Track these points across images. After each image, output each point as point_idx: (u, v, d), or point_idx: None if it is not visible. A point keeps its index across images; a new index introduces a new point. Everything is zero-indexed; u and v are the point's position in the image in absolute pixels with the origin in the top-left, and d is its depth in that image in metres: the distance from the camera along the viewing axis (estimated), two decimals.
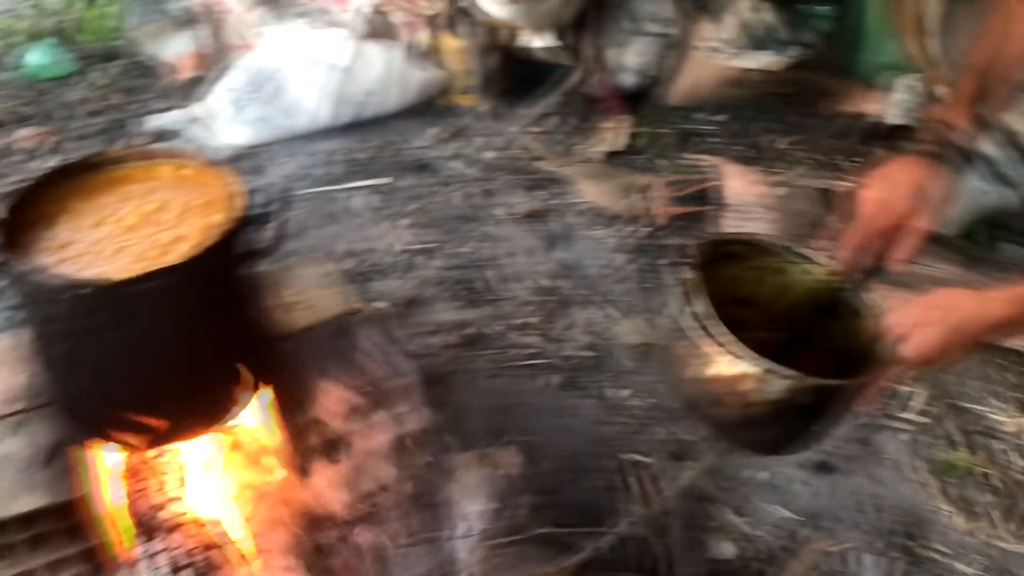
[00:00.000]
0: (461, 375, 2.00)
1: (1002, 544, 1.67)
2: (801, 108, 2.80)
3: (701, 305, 1.17)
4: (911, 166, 1.25)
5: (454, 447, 1.72)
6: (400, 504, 1.58)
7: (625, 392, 1.96)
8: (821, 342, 1.30)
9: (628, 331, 2.08)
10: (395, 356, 1.64)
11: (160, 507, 1.52)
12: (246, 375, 1.60)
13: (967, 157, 1.26)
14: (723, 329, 1.15)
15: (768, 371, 1.13)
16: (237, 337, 1.56)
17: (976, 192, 2.21)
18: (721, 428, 1.28)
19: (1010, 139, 2.20)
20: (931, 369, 1.60)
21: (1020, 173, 2.20)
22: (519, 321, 2.12)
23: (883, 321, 1.16)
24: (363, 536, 1.56)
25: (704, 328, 1.16)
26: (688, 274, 1.19)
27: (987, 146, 2.22)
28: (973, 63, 1.26)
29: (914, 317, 1.12)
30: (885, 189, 1.24)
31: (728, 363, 1.15)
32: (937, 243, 2.13)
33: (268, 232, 1.44)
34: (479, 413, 1.88)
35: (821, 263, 1.32)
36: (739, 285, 1.32)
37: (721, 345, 1.15)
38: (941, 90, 2.35)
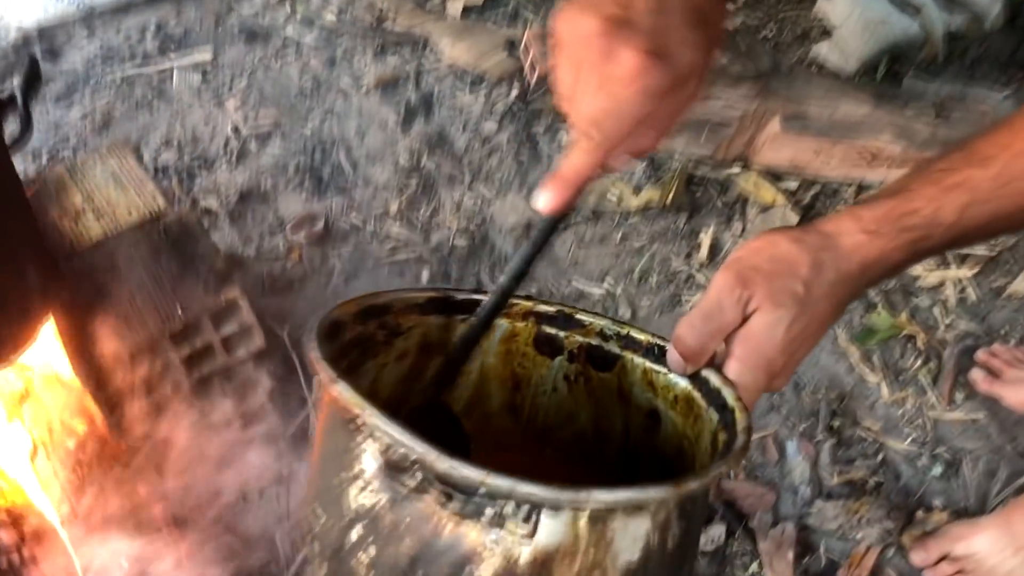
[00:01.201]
0: (312, 280, 1.69)
1: (933, 413, 1.50)
2: None
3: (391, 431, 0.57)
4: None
5: (301, 369, 1.43)
6: (237, 448, 1.30)
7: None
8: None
9: (505, 211, 1.80)
10: (218, 266, 1.32)
11: None
12: (30, 304, 1.26)
13: None
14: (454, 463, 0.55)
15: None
16: (13, 257, 1.22)
17: (877, 23, 1.98)
18: None
19: None
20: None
21: None
22: (378, 210, 1.81)
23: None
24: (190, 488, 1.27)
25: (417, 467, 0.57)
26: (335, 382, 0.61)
27: None
28: None
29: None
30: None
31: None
32: (840, 81, 1.89)
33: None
34: None
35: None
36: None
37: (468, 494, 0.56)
38: None
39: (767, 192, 1.77)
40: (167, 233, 1.35)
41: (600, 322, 0.79)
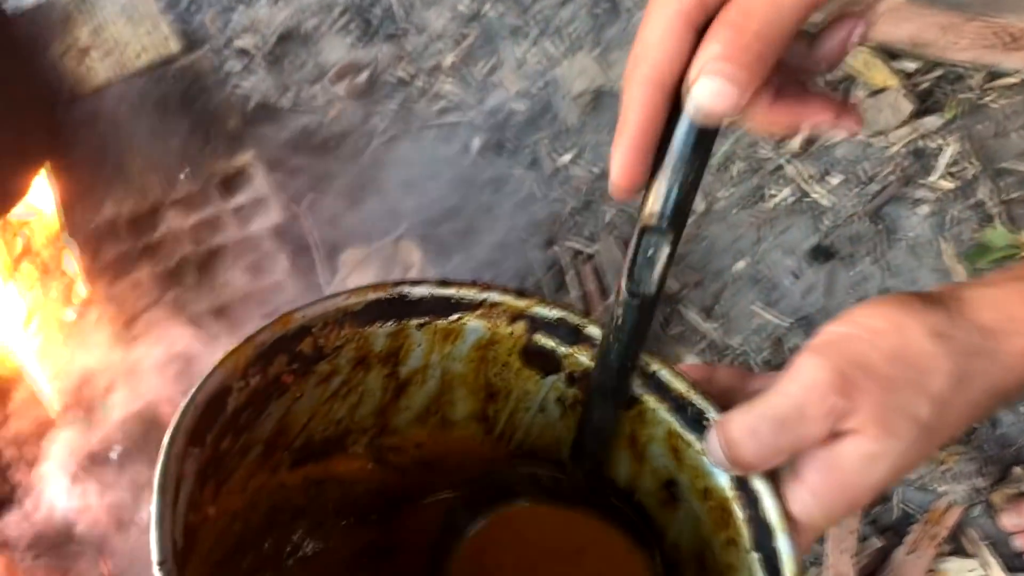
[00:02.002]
0: (350, 139, 1.51)
1: None
2: None
3: None
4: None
5: (328, 242, 1.28)
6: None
7: (566, 157, 1.50)
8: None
9: (572, 74, 1.58)
10: (233, 126, 1.15)
11: None
12: (24, 153, 1.13)
13: None
14: None
15: None
16: (6, 101, 1.09)
17: None
18: None
19: None
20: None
21: None
22: (430, 63, 1.61)
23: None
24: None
25: None
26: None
27: None
28: None
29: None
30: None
31: None
32: None
33: None
34: (370, 192, 1.42)
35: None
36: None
37: None
38: None
39: (879, 73, 1.52)
40: (178, 83, 1.17)
41: None
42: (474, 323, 0.58)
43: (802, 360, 0.47)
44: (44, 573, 0.99)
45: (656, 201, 0.49)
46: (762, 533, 0.49)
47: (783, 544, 0.48)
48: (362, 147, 1.51)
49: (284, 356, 0.55)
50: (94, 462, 1.07)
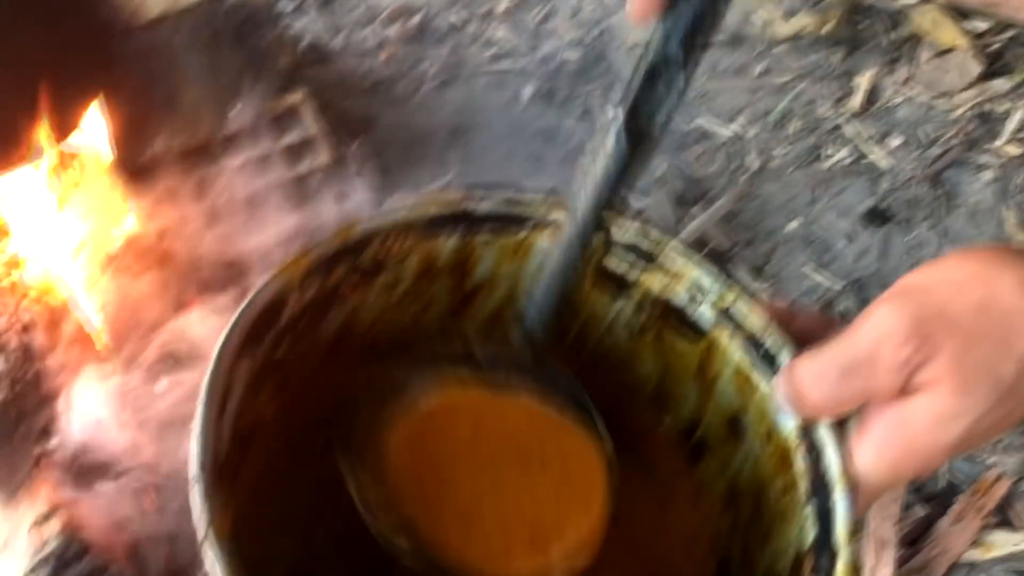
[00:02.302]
0: (400, 83, 1.50)
1: None
2: None
3: None
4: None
5: (375, 186, 1.27)
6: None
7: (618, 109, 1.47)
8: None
9: (629, 23, 1.55)
10: (284, 64, 1.14)
11: None
12: (79, 82, 1.13)
13: None
14: None
15: None
16: (63, 29, 1.09)
17: None
18: None
19: None
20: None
21: None
22: (483, 8, 1.58)
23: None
24: None
25: None
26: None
27: None
28: None
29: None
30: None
31: None
32: None
33: None
34: (418, 138, 1.41)
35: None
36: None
37: None
38: None
39: (947, 32, 1.47)
40: (231, 20, 1.16)
41: (696, 274, 0.53)
42: (543, 242, 0.56)
43: (879, 306, 0.44)
44: (85, 503, 1.00)
45: (673, 27, 0.45)
46: (820, 487, 0.47)
47: (840, 502, 0.46)
48: (412, 92, 1.49)
49: (344, 267, 0.53)
50: (138, 394, 1.08)
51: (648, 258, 0.54)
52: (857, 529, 0.46)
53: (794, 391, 0.47)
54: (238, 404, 0.49)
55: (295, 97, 1.11)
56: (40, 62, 1.02)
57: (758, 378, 0.51)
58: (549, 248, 0.54)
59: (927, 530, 1.10)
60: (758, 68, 1.48)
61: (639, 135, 0.47)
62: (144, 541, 0.98)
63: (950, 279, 0.44)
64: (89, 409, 1.07)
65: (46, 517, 0.91)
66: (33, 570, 0.87)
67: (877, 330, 0.43)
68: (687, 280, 0.53)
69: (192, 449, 0.45)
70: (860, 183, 1.39)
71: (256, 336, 0.50)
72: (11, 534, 0.91)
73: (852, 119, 1.43)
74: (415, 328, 0.61)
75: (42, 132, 1.06)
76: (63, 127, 1.11)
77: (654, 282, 0.55)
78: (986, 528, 1.12)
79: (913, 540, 1.09)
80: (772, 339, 0.50)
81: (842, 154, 1.41)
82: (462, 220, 0.55)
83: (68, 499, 0.98)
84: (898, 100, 1.45)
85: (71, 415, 1.06)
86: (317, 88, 1.28)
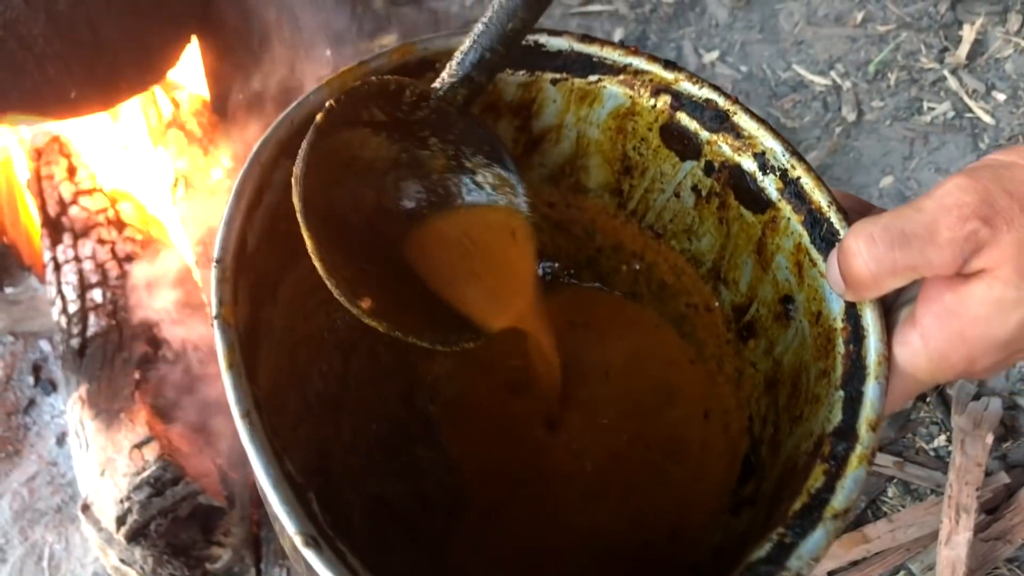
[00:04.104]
0: None
1: None
2: None
3: None
4: None
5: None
6: None
7: (712, 55, 1.44)
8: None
9: None
10: (377, 6, 1.15)
11: (69, 202, 1.15)
12: (177, 21, 1.15)
13: None
14: None
15: None
16: None
17: None
18: None
19: None
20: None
21: None
22: None
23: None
24: None
25: None
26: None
27: None
28: None
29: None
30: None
31: None
32: None
33: None
34: None
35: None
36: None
37: None
38: None
39: None
40: None
41: (768, 141, 0.52)
42: (614, 88, 0.54)
43: (952, 178, 0.40)
44: (183, 426, 1.04)
45: None
46: (855, 373, 0.45)
47: (871, 390, 0.44)
48: None
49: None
50: None
51: (721, 118, 0.53)
52: (880, 421, 0.44)
53: (843, 257, 0.43)
54: (277, 201, 0.48)
55: (388, 38, 1.11)
56: (140, 2, 1.04)
57: (816, 256, 0.49)
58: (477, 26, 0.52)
59: (1009, 499, 1.08)
60: (859, 16, 1.43)
61: None
62: (231, 468, 1.02)
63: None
64: (185, 339, 1.10)
65: (144, 442, 0.95)
66: (134, 489, 0.91)
67: (942, 201, 0.40)
68: (759, 146, 0.52)
69: (219, 232, 0.45)
70: (961, 139, 1.34)
71: (299, 140, 0.47)
72: (112, 457, 0.95)
73: (957, 71, 1.38)
74: None
75: (141, 70, 1.08)
76: (161, 66, 1.13)
77: (725, 144, 0.53)
78: None
79: (993, 508, 1.08)
80: (835, 217, 0.48)
81: (944, 107, 1.36)
82: (531, 53, 0.53)
83: (163, 426, 1.01)
84: (1007, 52, 1.38)
85: (167, 345, 1.09)
86: (410, 30, 1.28)
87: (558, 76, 0.54)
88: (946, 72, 1.38)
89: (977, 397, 1.15)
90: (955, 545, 1.02)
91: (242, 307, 0.45)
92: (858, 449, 0.43)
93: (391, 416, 0.59)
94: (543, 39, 0.53)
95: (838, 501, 0.42)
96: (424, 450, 0.58)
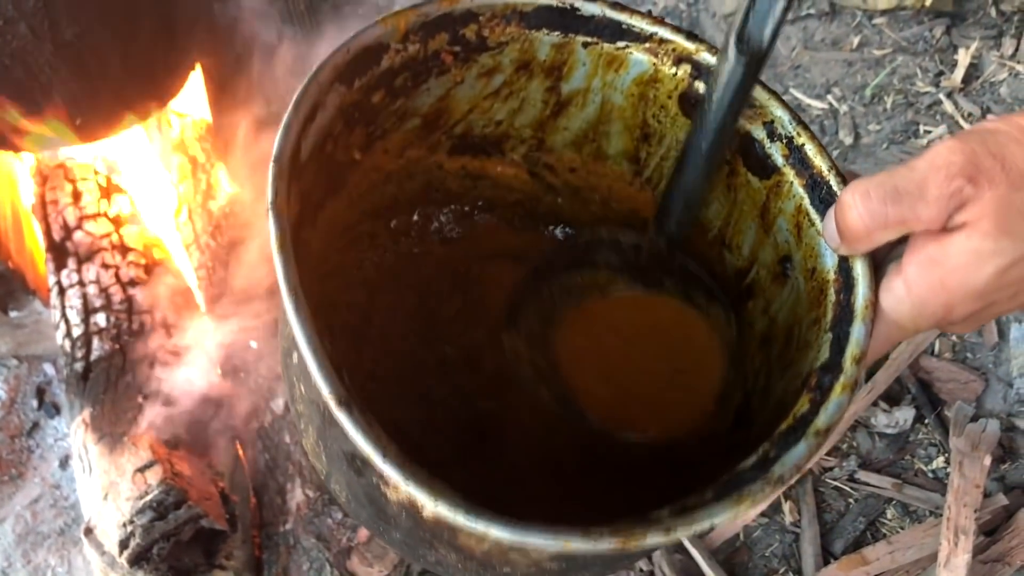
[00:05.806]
0: None
1: None
2: None
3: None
4: None
5: None
6: None
7: None
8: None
9: None
10: None
11: (73, 227, 1.16)
12: (184, 51, 1.16)
13: None
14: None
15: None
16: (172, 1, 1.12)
17: None
18: None
19: None
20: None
21: None
22: None
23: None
24: None
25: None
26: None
27: None
28: None
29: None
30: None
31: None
32: None
33: None
34: None
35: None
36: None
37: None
38: None
39: None
40: None
41: (777, 110, 0.55)
42: (639, 55, 0.58)
43: (941, 142, 0.45)
44: (185, 453, 1.05)
45: None
46: (843, 317, 0.49)
47: (856, 330, 0.48)
48: None
49: (446, 34, 0.56)
50: (234, 350, 1.12)
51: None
52: (862, 357, 0.48)
53: (839, 210, 0.47)
54: (327, 126, 0.52)
55: None
56: (147, 31, 1.05)
57: (815, 217, 0.53)
58: (680, 162, 0.57)
59: (1007, 520, 1.08)
60: (855, 40, 1.45)
61: (751, 54, 0.50)
62: (234, 492, 1.03)
63: (1017, 125, 0.44)
64: (187, 363, 1.11)
65: (147, 466, 0.96)
66: (137, 513, 0.92)
67: (933, 161, 0.44)
68: (768, 115, 0.55)
69: (277, 136, 0.49)
70: None
71: (356, 68, 0.53)
72: (115, 480, 0.96)
73: (952, 94, 1.39)
74: (508, 130, 0.64)
75: (145, 98, 1.10)
76: (165, 94, 1.15)
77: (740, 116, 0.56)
78: None
79: (992, 530, 1.08)
80: (834, 180, 0.53)
81: (940, 131, 1.37)
82: (566, 15, 0.58)
83: (166, 450, 1.02)
84: (1002, 76, 1.40)
85: (170, 369, 1.10)
86: None
87: (590, 40, 0.58)
88: (942, 96, 1.39)
89: (975, 419, 1.15)
90: (954, 567, 1.02)
91: (292, 206, 0.49)
92: (842, 379, 0.47)
93: (409, 353, 0.65)
94: (578, 3, 0.57)
95: (821, 421, 0.46)
96: (438, 385, 0.64)
